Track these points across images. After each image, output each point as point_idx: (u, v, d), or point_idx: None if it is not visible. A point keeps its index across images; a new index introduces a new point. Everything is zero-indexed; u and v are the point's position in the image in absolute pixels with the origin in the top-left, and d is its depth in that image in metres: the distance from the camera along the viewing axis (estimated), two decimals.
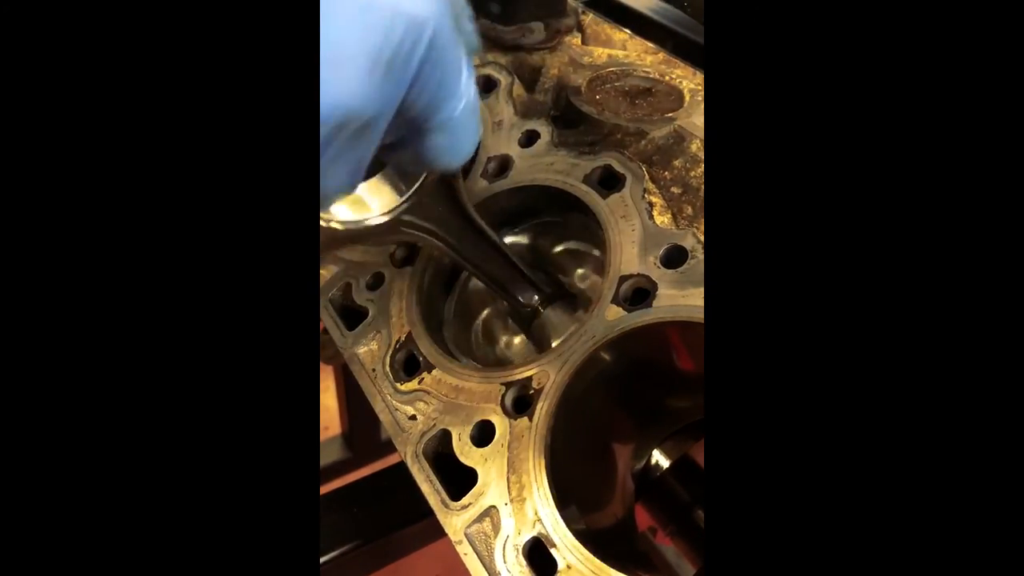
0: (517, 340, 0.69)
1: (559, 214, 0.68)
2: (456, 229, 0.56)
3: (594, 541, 0.49)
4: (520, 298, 0.61)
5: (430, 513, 0.55)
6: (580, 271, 0.69)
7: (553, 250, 0.70)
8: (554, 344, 0.60)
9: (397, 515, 0.84)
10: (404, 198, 0.51)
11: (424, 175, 0.51)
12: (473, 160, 0.70)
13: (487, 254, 0.59)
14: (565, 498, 0.51)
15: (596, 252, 0.67)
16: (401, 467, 0.58)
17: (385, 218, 0.51)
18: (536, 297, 0.61)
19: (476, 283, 0.68)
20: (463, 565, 0.51)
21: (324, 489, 0.94)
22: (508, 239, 0.68)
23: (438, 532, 0.54)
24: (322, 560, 0.84)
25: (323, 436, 1.78)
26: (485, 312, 0.71)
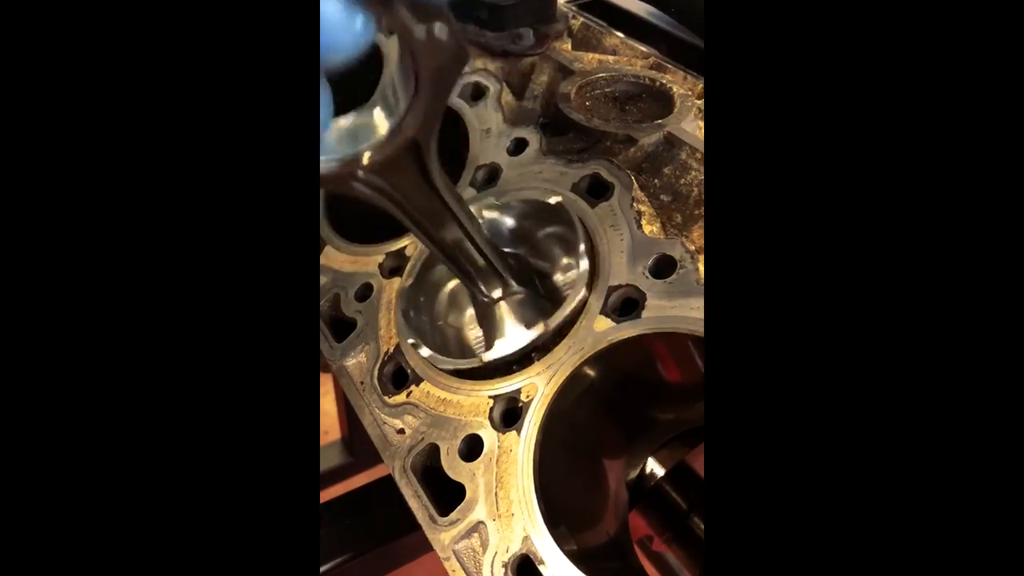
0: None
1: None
2: (422, 204, 0.48)
3: (585, 560, 0.48)
4: (483, 288, 0.57)
5: None
6: (565, 260, 0.62)
7: (538, 233, 0.64)
8: (500, 336, 0.57)
9: (391, 526, 0.83)
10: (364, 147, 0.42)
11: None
12: (462, 168, 0.69)
13: (455, 238, 0.52)
14: (555, 516, 0.50)
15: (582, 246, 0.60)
16: None
17: (334, 164, 0.42)
18: (499, 291, 0.57)
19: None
20: None
21: (323, 494, 0.93)
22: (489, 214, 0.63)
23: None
24: None
25: (323, 441, 1.77)
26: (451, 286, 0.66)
